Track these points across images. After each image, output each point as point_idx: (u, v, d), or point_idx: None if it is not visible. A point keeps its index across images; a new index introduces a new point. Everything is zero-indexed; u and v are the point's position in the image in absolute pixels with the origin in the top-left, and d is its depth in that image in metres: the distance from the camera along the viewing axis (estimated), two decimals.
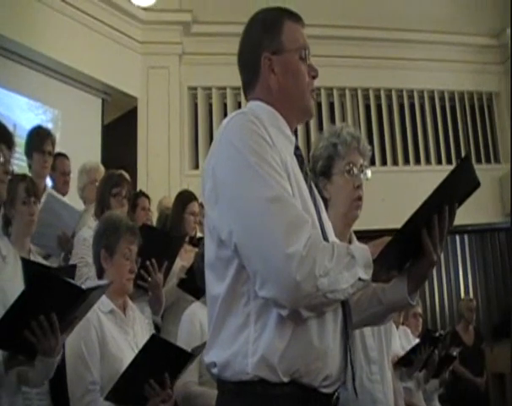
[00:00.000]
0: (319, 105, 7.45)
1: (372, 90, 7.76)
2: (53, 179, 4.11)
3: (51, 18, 5.80)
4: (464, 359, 5.45)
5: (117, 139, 6.70)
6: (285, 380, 1.29)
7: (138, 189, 4.86)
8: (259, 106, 1.48)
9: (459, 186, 1.39)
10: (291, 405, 1.30)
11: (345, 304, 1.40)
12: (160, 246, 3.15)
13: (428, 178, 6.69)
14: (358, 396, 1.44)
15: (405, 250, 1.40)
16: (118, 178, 3.43)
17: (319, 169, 2.01)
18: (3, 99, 5.51)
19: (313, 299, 1.24)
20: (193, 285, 2.88)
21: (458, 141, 7.95)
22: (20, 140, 3.63)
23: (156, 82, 6.91)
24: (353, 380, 1.40)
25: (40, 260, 2.91)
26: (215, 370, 1.36)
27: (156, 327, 3.35)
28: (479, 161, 7.82)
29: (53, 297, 1.83)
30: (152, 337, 2.20)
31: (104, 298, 2.30)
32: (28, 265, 2.28)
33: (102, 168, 4.21)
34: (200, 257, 2.77)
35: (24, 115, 5.62)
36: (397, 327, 4.36)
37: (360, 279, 1.29)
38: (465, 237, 7.84)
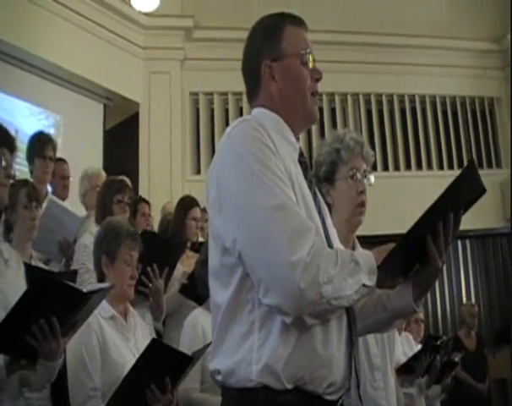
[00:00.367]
0: (321, 110, 7.45)
1: (373, 95, 7.77)
2: (52, 184, 4.08)
3: (53, 23, 5.81)
4: (466, 365, 5.42)
5: (118, 145, 6.69)
6: (289, 386, 1.28)
7: (139, 195, 4.85)
8: (263, 113, 1.48)
9: (464, 192, 1.38)
10: None
11: (349, 311, 1.39)
12: (161, 252, 3.14)
13: (430, 183, 6.74)
14: (362, 403, 1.44)
15: (410, 257, 1.39)
16: (120, 185, 3.42)
17: (322, 175, 2.01)
18: (5, 104, 5.50)
19: (317, 306, 1.24)
20: (195, 291, 2.87)
21: (459, 146, 7.96)
22: (22, 146, 3.62)
23: (158, 87, 6.90)
24: (358, 387, 1.39)
25: (40, 265, 2.90)
26: (219, 378, 1.36)
27: (158, 334, 3.33)
28: (480, 166, 7.80)
29: (54, 300, 1.82)
30: (153, 342, 2.19)
31: (105, 304, 2.29)
32: (30, 270, 2.28)
33: (104, 174, 4.19)
34: (200, 264, 2.76)
35: (26, 121, 5.61)
36: (399, 333, 4.35)
37: (364, 285, 1.28)
38: (467, 242, 7.85)
